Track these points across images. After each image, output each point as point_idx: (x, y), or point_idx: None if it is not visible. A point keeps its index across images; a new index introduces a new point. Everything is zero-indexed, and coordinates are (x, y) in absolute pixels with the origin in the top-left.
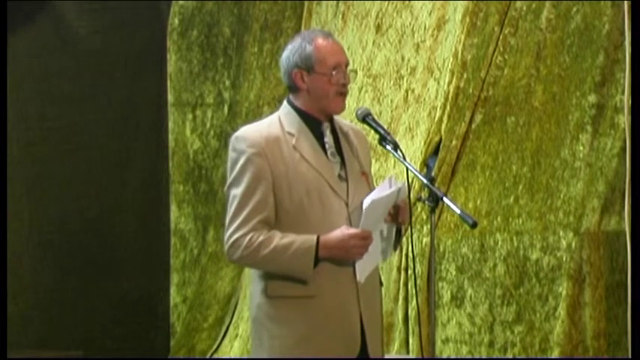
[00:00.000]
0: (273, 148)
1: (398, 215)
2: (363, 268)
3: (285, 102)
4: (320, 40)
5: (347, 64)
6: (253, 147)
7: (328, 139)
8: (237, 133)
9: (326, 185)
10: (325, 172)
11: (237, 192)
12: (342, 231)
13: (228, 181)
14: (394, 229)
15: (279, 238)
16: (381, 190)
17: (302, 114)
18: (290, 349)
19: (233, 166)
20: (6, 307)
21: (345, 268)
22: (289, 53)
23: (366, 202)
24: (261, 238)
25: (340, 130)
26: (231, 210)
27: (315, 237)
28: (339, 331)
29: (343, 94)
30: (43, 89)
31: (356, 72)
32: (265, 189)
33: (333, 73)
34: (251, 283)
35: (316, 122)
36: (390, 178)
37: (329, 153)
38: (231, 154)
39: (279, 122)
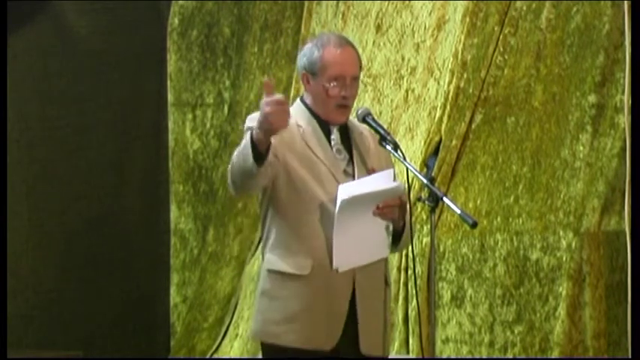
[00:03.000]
0: (282, 132)
1: (385, 211)
2: (343, 258)
3: (298, 99)
4: (330, 48)
5: (354, 77)
6: None
7: (335, 136)
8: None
9: (330, 175)
10: (331, 165)
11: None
12: None
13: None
14: (389, 227)
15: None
16: (374, 181)
17: (311, 112)
18: (273, 324)
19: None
20: (6, 307)
21: None
22: (302, 53)
23: (342, 189)
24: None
25: (354, 129)
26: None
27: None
28: (325, 314)
29: (344, 106)
30: (43, 89)
31: (363, 83)
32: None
33: (332, 84)
34: (258, 280)
35: (324, 120)
36: (391, 172)
37: (334, 149)
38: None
39: (291, 113)
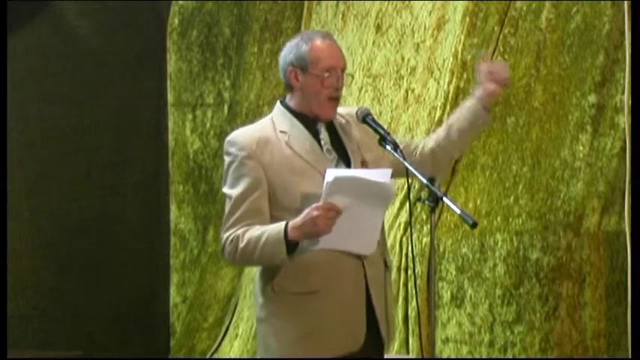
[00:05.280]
0: (264, 150)
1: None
2: (325, 241)
3: (278, 102)
4: (317, 41)
5: (343, 69)
6: (244, 150)
7: (324, 135)
8: (229, 137)
9: (322, 179)
10: (321, 167)
11: (230, 195)
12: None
13: (223, 183)
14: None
15: (254, 230)
16: (367, 173)
17: (295, 113)
18: (293, 344)
19: (227, 170)
20: (6, 307)
21: (350, 263)
22: (287, 51)
23: (329, 174)
24: (239, 232)
25: (340, 125)
26: (225, 212)
27: (284, 222)
28: (342, 326)
29: (335, 99)
30: (43, 89)
31: (352, 76)
32: (258, 192)
33: (326, 75)
34: (254, 283)
35: (311, 120)
36: (389, 172)
37: (324, 149)
38: (224, 157)
39: (271, 123)
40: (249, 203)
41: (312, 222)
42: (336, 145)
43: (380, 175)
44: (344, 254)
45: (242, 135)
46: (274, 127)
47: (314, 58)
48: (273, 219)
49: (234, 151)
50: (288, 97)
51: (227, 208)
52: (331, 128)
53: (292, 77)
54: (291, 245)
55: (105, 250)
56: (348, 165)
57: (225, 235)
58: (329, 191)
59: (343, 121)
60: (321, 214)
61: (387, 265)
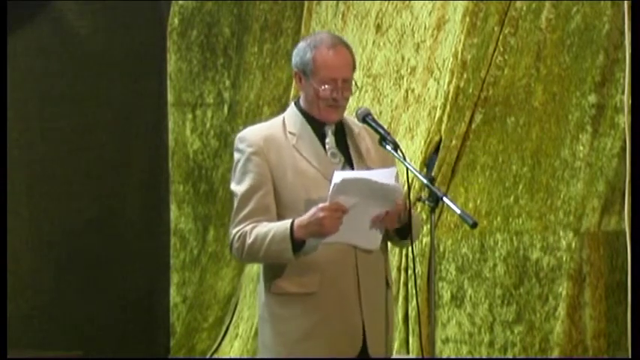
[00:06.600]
0: (271, 147)
1: (386, 220)
2: (334, 237)
3: (292, 103)
4: (323, 50)
5: (346, 79)
6: (252, 146)
7: (329, 139)
8: (239, 134)
9: (326, 183)
10: (325, 170)
11: (237, 192)
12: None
13: (232, 180)
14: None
15: (261, 227)
16: (374, 174)
17: (305, 115)
18: (293, 344)
19: (235, 166)
20: (6, 307)
21: (347, 264)
22: (296, 52)
23: (337, 176)
24: (247, 228)
25: (350, 130)
26: (233, 209)
27: (290, 220)
28: (341, 327)
29: (334, 107)
30: (43, 89)
31: (357, 85)
32: (265, 189)
33: (323, 87)
34: (254, 283)
35: (319, 123)
36: (394, 170)
37: (329, 153)
38: (234, 154)
39: (282, 122)
40: (256, 200)
41: (318, 222)
42: (343, 149)
43: (386, 175)
44: (342, 257)
45: (251, 132)
46: (284, 127)
47: (314, 68)
48: (278, 217)
49: (243, 147)
50: (300, 97)
51: (235, 205)
52: (340, 133)
53: (297, 79)
54: (297, 243)
55: (105, 251)
56: (353, 169)
57: (233, 232)
58: (336, 192)
59: (356, 131)
60: (327, 214)
61: (388, 285)
